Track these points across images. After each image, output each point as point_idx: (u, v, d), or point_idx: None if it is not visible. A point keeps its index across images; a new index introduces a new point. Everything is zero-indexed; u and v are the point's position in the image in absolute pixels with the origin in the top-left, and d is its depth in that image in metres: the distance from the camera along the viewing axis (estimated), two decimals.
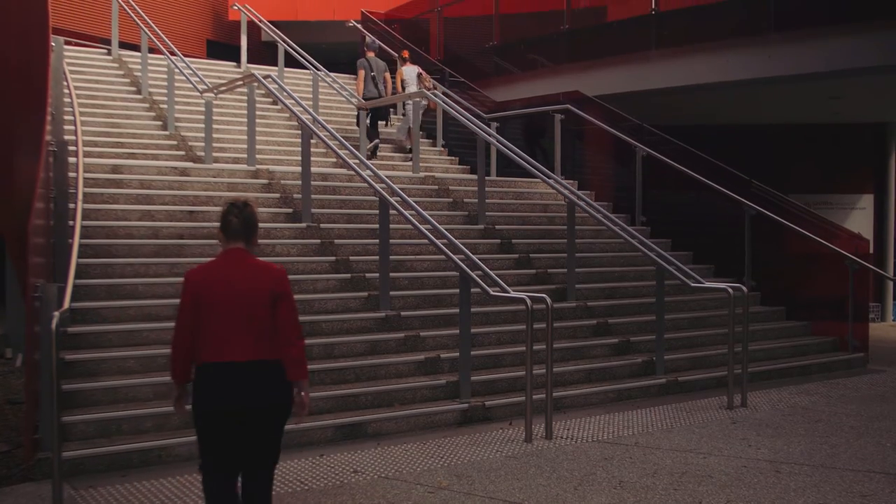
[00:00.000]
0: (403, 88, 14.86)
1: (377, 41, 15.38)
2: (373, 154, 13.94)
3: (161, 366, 7.46)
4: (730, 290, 8.80)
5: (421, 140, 13.92)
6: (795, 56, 12.36)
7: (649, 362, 9.50)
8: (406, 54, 15.42)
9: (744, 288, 9.02)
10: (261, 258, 4.74)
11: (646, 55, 14.12)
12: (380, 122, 14.54)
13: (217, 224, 4.77)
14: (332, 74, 15.24)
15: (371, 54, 14.56)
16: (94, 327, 7.70)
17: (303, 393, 4.60)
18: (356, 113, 14.35)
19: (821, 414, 8.42)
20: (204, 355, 4.47)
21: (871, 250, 13.96)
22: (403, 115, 15.14)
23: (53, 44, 8.63)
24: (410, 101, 14.03)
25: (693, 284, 9.32)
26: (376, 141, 14.15)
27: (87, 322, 7.79)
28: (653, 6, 14.19)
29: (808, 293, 12.28)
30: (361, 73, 14.29)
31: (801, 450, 7.09)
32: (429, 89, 14.70)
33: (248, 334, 4.46)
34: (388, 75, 14.62)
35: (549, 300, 7.38)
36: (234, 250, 4.64)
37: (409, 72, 15.04)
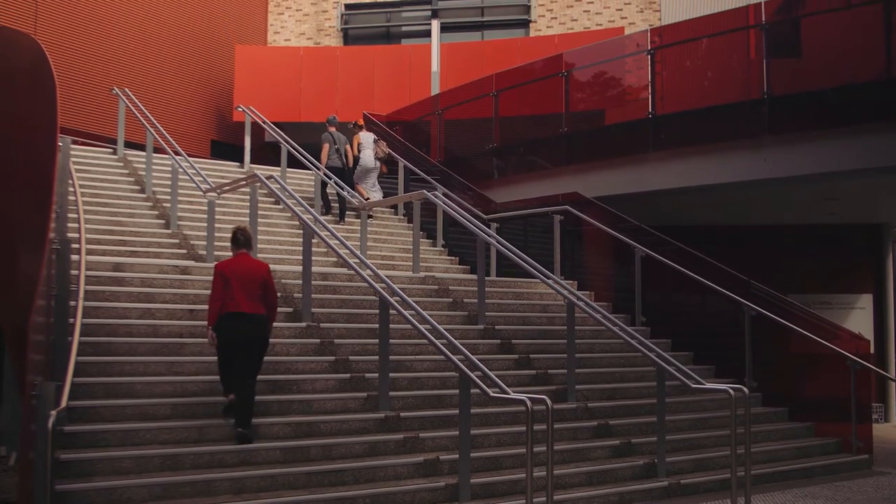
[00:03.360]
0: (359, 151, 16.30)
1: (337, 117, 16.71)
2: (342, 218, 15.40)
3: (158, 466, 7.38)
4: (731, 391, 8.75)
5: (421, 240, 14.03)
6: (790, 158, 12.56)
7: (651, 464, 9.38)
8: (361, 122, 17.05)
9: (745, 389, 8.96)
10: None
11: (643, 157, 14.34)
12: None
13: None
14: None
15: (333, 129, 16.19)
16: (90, 426, 7.63)
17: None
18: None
19: None
20: (227, 308, 7.94)
21: (872, 350, 13.92)
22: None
23: (61, 143, 8.79)
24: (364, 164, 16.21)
25: (694, 386, 9.27)
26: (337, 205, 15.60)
27: (84, 421, 7.72)
28: (650, 110, 14.49)
29: (810, 394, 12.20)
30: (326, 146, 15.98)
31: None
32: (384, 152, 16.40)
33: (250, 299, 8.04)
34: (348, 147, 16.24)
35: (549, 402, 7.32)
36: (242, 254, 8.34)
37: (366, 137, 16.56)
